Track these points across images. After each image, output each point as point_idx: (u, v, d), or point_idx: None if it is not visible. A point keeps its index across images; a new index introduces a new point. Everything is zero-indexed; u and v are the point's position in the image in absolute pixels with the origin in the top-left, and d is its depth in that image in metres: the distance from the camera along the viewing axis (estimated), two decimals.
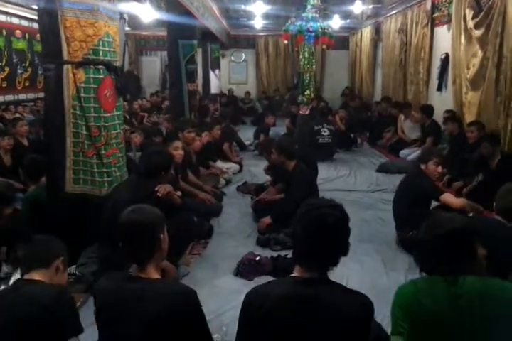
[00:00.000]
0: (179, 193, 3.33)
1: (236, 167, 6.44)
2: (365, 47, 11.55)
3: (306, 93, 7.63)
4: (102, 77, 2.93)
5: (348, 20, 10.73)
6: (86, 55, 2.84)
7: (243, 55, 14.32)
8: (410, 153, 7.22)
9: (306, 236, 1.50)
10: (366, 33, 11.37)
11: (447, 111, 6.55)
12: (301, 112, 7.91)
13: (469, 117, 6.05)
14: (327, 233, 1.48)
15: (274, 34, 13.47)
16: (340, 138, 7.78)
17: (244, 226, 4.24)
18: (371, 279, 3.17)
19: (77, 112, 2.96)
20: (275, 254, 3.45)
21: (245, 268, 3.14)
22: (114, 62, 3.03)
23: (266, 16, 10.82)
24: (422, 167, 3.59)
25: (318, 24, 7.10)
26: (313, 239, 1.49)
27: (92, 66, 2.87)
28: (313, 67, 7.59)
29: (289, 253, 3.46)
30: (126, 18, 10.19)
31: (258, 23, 11.50)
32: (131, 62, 13.28)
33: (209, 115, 8.13)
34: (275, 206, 3.93)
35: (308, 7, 7.10)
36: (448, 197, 3.51)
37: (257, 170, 6.50)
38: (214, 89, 11.43)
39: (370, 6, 8.85)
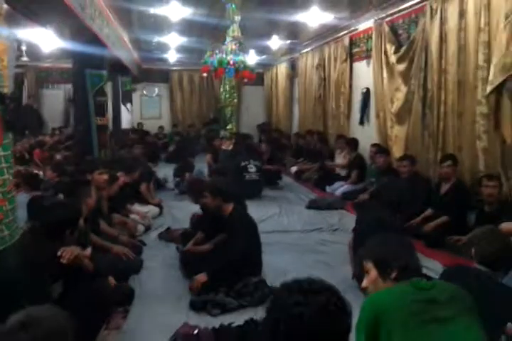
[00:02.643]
0: (89, 251, 2.61)
1: (156, 210, 5.71)
2: (281, 83, 11.56)
3: (228, 127, 7.23)
4: None
5: (263, 56, 10.64)
6: None
7: (156, 89, 13.72)
8: (337, 188, 7.02)
9: None
10: (282, 68, 11.41)
11: (374, 145, 6.45)
12: (223, 147, 7.48)
13: (397, 151, 5.98)
14: None
15: (188, 68, 13.17)
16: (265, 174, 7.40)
17: (173, 286, 3.53)
18: None
19: None
20: (216, 321, 2.82)
21: None
22: (0, 88, 2.32)
23: (180, 49, 10.42)
24: None
25: (239, 57, 6.80)
26: None
27: None
28: (235, 100, 7.25)
29: (232, 319, 2.86)
30: (24, 47, 9.27)
31: (172, 57, 11.06)
32: (30, 95, 12.09)
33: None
34: (210, 259, 3.31)
35: (228, 39, 6.80)
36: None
37: (179, 213, 5.84)
38: (125, 123, 10.65)
39: (288, 42, 8.79)
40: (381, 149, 6.04)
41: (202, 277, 3.12)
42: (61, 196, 3.48)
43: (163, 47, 10.10)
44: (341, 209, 6.14)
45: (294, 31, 8.43)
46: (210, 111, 14.16)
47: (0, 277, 2.19)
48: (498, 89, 4.11)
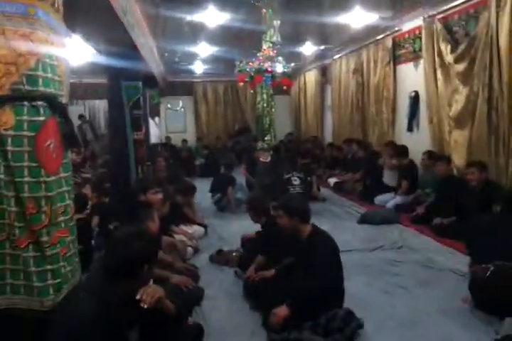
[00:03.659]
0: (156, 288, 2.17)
1: (201, 230, 5.31)
2: (311, 91, 11.16)
3: (266, 138, 6.84)
4: (42, 119, 1.83)
5: (291, 64, 10.29)
6: (16, 84, 1.75)
7: (180, 102, 13.45)
8: (387, 200, 6.53)
9: None
10: (311, 75, 11.02)
11: (429, 152, 5.98)
12: (261, 159, 7.08)
13: (458, 157, 5.51)
14: None
15: (213, 80, 12.89)
16: None
17: (242, 319, 3.10)
18: None
19: (1, 176, 1.82)
20: None
21: None
22: (59, 97, 1.95)
23: (206, 60, 10.14)
24: None
25: (279, 64, 6.45)
26: None
27: (26, 102, 1.77)
28: (273, 110, 6.87)
29: None
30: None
31: (198, 68, 10.77)
32: None
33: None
34: (289, 289, 2.88)
35: (265, 45, 6.46)
36: None
37: (225, 232, 5.46)
38: (154, 138, 10.33)
39: (321, 47, 8.42)
40: (440, 156, 5.55)
41: (283, 310, 2.67)
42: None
43: (189, 58, 9.82)
44: (397, 224, 5.66)
45: (327, 36, 8.09)
46: (235, 123, 13.85)
47: (67, 324, 1.80)
48: None
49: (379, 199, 6.68)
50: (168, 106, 13.27)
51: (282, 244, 3.37)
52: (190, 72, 11.76)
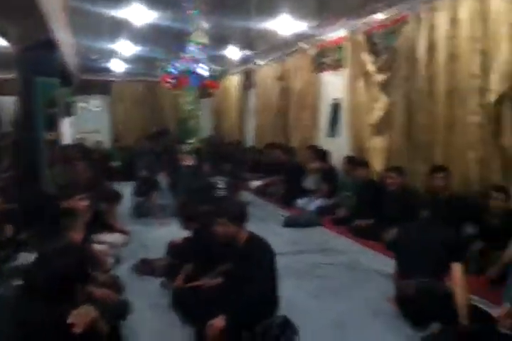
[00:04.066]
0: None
1: (123, 238, 5.01)
2: (234, 95, 11.14)
3: (191, 141, 6.68)
4: None
5: (213, 67, 10.19)
6: None
7: (95, 101, 12.77)
8: (308, 202, 6.65)
9: None
10: (234, 80, 11.00)
11: (350, 158, 6.19)
12: (185, 163, 6.89)
13: (377, 163, 5.76)
14: None
15: (131, 79, 12.40)
16: None
17: (173, 334, 2.93)
18: None
19: None
20: None
21: None
22: None
23: (126, 59, 9.72)
24: None
25: (204, 66, 6.33)
26: None
27: None
28: (200, 112, 6.73)
29: None
30: None
31: (118, 67, 10.27)
32: None
33: None
34: (225, 298, 2.77)
35: (192, 47, 6.30)
36: None
37: (148, 240, 5.21)
38: (67, 139, 9.68)
39: (247, 52, 8.43)
40: (361, 162, 5.77)
41: (220, 321, 2.55)
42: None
43: (108, 56, 9.35)
44: (319, 226, 5.79)
45: (252, 41, 8.12)
46: (154, 125, 13.42)
47: None
48: (499, 98, 3.97)
49: (300, 202, 6.79)
50: (83, 105, 12.53)
51: (216, 251, 3.27)
52: (109, 71, 11.19)
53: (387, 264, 4.13)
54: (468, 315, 2.55)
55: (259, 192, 8.00)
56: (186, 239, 4.27)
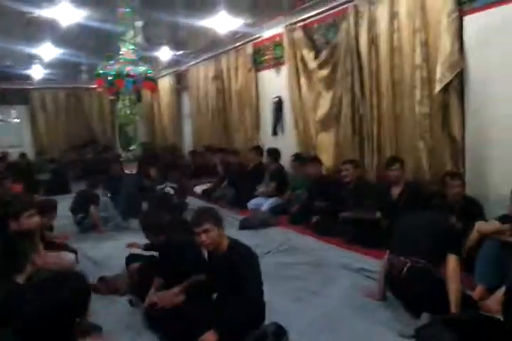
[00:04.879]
0: None
1: (71, 256, 4.57)
2: (166, 98, 10.81)
3: (131, 148, 6.35)
4: None
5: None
6: None
7: (14, 112, 11.81)
8: (261, 203, 6.55)
9: None
10: (165, 82, 10.67)
11: (296, 155, 6.17)
12: (127, 172, 6.55)
13: (325, 158, 5.79)
14: None
15: (52, 86, 11.64)
16: None
17: None
18: None
19: None
20: None
21: None
22: None
23: (46, 64, 9.05)
24: None
25: (140, 67, 6.02)
26: None
27: None
28: (137, 117, 6.40)
29: None
30: None
31: (37, 73, 9.55)
32: None
33: None
34: (211, 311, 2.58)
35: (125, 48, 5.96)
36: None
37: (98, 255, 4.83)
38: None
39: (178, 53, 8.17)
40: (311, 158, 5.77)
41: (212, 337, 2.36)
42: None
43: (26, 62, 8.65)
44: (276, 226, 5.71)
45: (183, 41, 7.89)
46: (80, 134, 12.72)
47: None
48: (445, 88, 4.11)
49: (252, 203, 6.66)
50: (0, 117, 11.55)
51: (188, 262, 3.07)
52: (26, 78, 10.39)
53: (353, 259, 4.17)
54: (459, 305, 2.58)
55: (205, 196, 7.79)
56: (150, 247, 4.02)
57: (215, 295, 2.95)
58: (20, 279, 2.10)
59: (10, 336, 1.36)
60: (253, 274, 2.55)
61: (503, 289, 2.80)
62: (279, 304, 3.24)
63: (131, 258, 4.07)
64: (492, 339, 2.22)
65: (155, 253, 3.88)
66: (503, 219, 3.09)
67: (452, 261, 2.71)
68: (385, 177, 4.66)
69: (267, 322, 2.66)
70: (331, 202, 5.22)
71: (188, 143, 10.32)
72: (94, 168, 9.64)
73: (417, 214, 3.09)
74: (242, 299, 2.46)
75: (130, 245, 4.13)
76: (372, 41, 4.79)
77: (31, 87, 11.48)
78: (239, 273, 2.49)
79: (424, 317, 2.60)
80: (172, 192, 5.94)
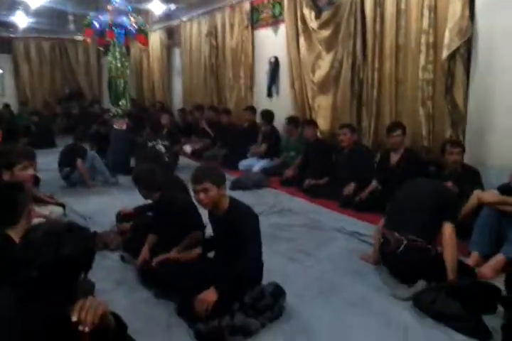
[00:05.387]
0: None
1: (59, 210, 4.51)
2: (156, 53, 10.42)
3: (121, 103, 6.15)
4: None
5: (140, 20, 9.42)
6: None
7: None
8: (252, 164, 6.49)
9: None
10: (156, 37, 10.25)
11: (291, 117, 6.06)
12: (115, 127, 6.38)
13: (322, 122, 5.71)
14: None
15: (37, 36, 11.12)
16: None
17: (150, 311, 2.68)
18: None
19: None
20: None
21: None
22: None
23: (31, 13, 8.56)
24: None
25: (133, 19, 5.74)
26: None
27: None
28: (128, 71, 6.17)
29: None
30: None
31: (21, 21, 9.05)
32: None
33: None
34: (212, 269, 2.57)
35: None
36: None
37: (85, 211, 4.77)
38: None
39: (171, 6, 7.80)
40: (308, 121, 5.68)
41: (212, 295, 2.36)
42: None
43: (9, 8, 8.18)
44: (268, 187, 5.69)
45: None
46: (65, 86, 12.32)
47: None
48: (452, 54, 4.01)
49: (243, 164, 6.62)
50: None
51: (185, 220, 3.04)
52: (9, 26, 9.88)
53: (347, 223, 4.20)
54: (456, 272, 2.60)
55: (196, 156, 7.69)
56: (141, 209, 3.98)
57: (211, 254, 2.95)
58: (13, 232, 2.03)
59: (7, 293, 1.32)
60: (254, 234, 2.52)
61: (498, 256, 2.86)
62: (274, 265, 3.24)
63: (121, 217, 4.04)
64: (491, 306, 2.27)
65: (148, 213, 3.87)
66: (504, 188, 3.10)
67: (448, 229, 2.70)
68: (384, 143, 4.62)
69: (263, 282, 2.68)
70: (325, 172, 5.19)
71: (177, 101, 10.08)
72: (81, 122, 9.40)
73: (413, 183, 3.03)
74: (242, 258, 2.44)
75: (122, 211, 4.08)
76: (379, 3, 4.61)
77: (14, 36, 10.95)
78: (239, 233, 2.46)
79: (421, 284, 2.63)
80: (163, 150, 5.82)
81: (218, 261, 2.67)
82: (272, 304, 2.48)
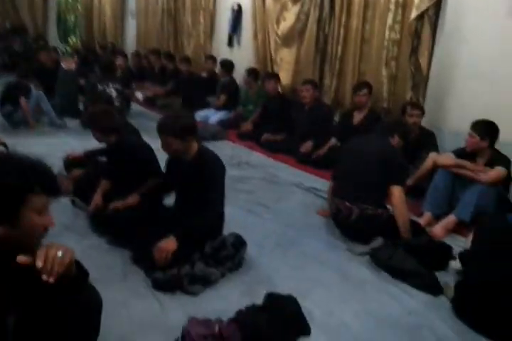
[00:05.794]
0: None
1: (0, 149, 4.21)
2: None
3: (71, 40, 5.69)
4: None
5: None
6: None
7: None
8: (208, 115, 6.31)
9: None
10: None
11: (251, 69, 5.87)
12: (64, 67, 5.94)
13: (283, 76, 5.58)
14: None
15: None
16: None
17: (103, 259, 2.57)
18: None
19: None
20: (204, 303, 2.17)
21: None
22: None
23: None
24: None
25: None
26: None
27: None
28: (79, 6, 5.66)
29: (217, 295, 2.24)
30: None
31: None
32: None
33: None
34: (175, 218, 2.50)
35: None
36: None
37: (29, 152, 4.44)
38: None
39: None
40: (271, 74, 5.52)
41: (172, 243, 2.30)
42: None
43: None
44: (225, 140, 5.57)
45: None
46: (6, 21, 11.22)
47: None
48: (420, 15, 3.96)
49: (200, 115, 6.40)
50: None
51: (142, 164, 2.92)
52: None
53: (304, 178, 4.21)
54: (409, 231, 2.69)
55: (148, 103, 7.36)
56: (92, 153, 3.78)
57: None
58: None
59: None
60: (219, 183, 2.46)
61: (449, 217, 2.99)
62: (233, 216, 3.22)
63: (69, 162, 3.83)
64: (443, 263, 2.38)
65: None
66: (459, 152, 3.19)
67: (396, 193, 2.74)
68: (344, 102, 4.60)
69: (224, 233, 2.66)
70: (284, 127, 5.12)
71: (130, 45, 9.49)
72: (24, 57, 8.65)
73: (358, 142, 3.04)
74: (204, 207, 2.39)
75: (71, 155, 3.87)
76: None
77: None
78: (206, 178, 2.40)
79: (378, 241, 2.70)
80: (115, 94, 5.50)
81: (178, 209, 2.60)
82: (232, 254, 2.47)
